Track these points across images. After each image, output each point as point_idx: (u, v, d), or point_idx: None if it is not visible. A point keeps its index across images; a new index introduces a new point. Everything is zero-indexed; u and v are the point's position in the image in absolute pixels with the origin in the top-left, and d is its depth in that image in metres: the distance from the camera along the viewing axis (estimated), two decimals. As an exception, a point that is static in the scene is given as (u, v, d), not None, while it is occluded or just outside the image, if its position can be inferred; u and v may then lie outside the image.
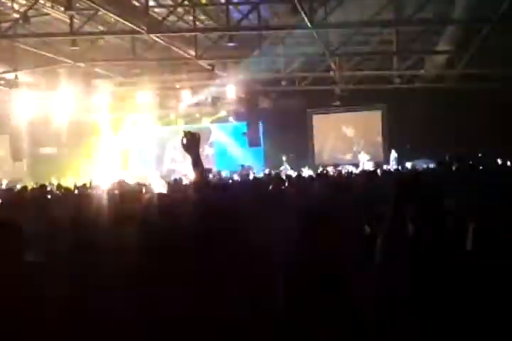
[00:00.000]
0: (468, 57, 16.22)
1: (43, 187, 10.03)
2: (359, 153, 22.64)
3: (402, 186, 3.85)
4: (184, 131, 3.35)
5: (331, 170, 17.51)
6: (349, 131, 24.06)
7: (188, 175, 14.61)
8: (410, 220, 3.29)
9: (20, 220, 3.88)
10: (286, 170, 19.72)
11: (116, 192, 8.32)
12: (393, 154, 20.97)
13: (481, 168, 9.34)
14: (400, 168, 18.06)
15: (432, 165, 15.38)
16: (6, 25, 13.61)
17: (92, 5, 12.32)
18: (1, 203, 8.17)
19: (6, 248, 3.04)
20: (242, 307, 2.87)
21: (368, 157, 22.03)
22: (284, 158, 22.08)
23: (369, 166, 20.29)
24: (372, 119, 23.54)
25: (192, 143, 3.30)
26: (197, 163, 3.27)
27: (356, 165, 20.75)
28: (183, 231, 2.98)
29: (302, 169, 19.71)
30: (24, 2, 13.68)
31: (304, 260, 3.48)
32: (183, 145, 3.31)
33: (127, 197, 5.96)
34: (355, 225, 4.88)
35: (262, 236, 4.09)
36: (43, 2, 13.49)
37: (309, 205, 4.81)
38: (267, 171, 18.98)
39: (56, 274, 2.95)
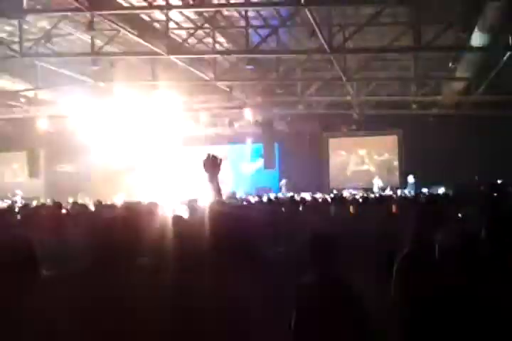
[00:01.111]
0: (486, 83, 16.23)
1: (59, 205, 10.09)
2: (373, 177, 22.58)
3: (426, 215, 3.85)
4: (208, 153, 3.39)
5: (346, 195, 17.46)
6: (365, 155, 24.05)
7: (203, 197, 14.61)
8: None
9: (34, 237, 3.92)
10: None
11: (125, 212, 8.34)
12: (410, 179, 20.86)
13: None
14: (415, 193, 17.91)
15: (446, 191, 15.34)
16: (28, 44, 13.83)
17: (114, 26, 12.53)
18: (18, 219, 8.21)
19: (20, 263, 3.07)
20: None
21: (381, 182, 21.97)
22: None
23: (383, 191, 20.23)
24: (389, 144, 23.55)
25: (213, 165, 3.35)
26: (214, 184, 3.31)
27: (371, 190, 20.70)
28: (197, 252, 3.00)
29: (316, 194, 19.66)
30: (47, 22, 13.92)
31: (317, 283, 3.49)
32: (204, 166, 3.36)
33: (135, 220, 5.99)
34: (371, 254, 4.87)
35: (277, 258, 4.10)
36: (65, 22, 13.72)
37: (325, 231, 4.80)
38: (280, 194, 18.99)
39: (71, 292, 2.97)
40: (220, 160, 3.39)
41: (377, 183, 22.00)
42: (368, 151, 23.97)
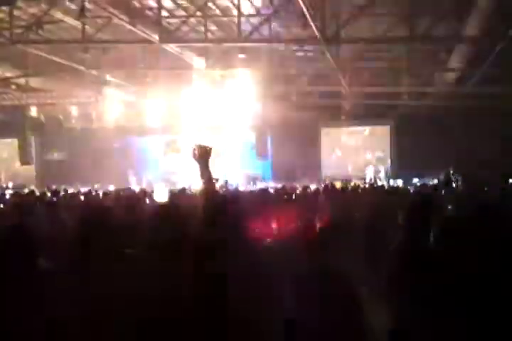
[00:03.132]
0: (479, 74, 16.25)
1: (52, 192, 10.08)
2: (366, 167, 22.64)
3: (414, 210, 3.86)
4: (196, 144, 3.40)
5: (338, 184, 17.46)
6: (357, 146, 24.07)
7: (192, 185, 14.60)
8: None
9: (31, 225, 3.91)
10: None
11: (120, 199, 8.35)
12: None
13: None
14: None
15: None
16: (19, 31, 13.71)
17: (106, 13, 12.44)
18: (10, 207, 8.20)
19: (19, 252, 3.06)
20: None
21: (373, 170, 22.05)
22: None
23: (376, 180, 20.31)
24: (381, 134, 23.57)
25: (203, 155, 3.37)
26: (206, 174, 3.32)
27: (363, 179, 20.76)
28: (192, 239, 3.00)
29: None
30: (37, 9, 13.81)
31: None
32: (194, 156, 3.37)
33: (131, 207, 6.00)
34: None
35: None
36: (56, 9, 13.62)
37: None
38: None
39: (66, 281, 2.97)
40: (210, 148, 3.40)
41: (370, 172, 22.05)
42: (360, 141, 23.98)
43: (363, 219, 5.86)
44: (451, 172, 11.34)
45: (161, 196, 9.51)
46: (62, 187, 16.99)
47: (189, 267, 2.87)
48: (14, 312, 2.84)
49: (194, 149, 3.36)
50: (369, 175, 21.91)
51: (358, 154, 23.90)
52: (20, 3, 13.21)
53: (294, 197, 9.44)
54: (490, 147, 18.44)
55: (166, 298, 2.78)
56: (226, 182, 17.31)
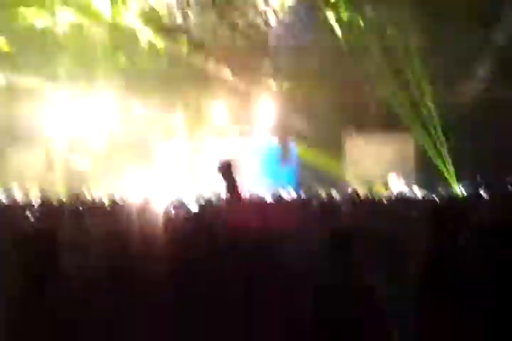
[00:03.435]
0: (506, 82, 16.08)
1: (77, 198, 10.15)
2: (390, 176, 22.42)
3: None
4: (220, 160, 3.43)
5: (362, 192, 17.34)
6: (380, 153, 23.90)
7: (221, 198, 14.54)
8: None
9: (55, 231, 3.94)
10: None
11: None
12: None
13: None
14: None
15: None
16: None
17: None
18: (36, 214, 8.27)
19: (42, 258, 3.08)
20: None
21: (397, 179, 21.82)
22: None
23: (400, 189, 20.09)
24: (405, 142, 23.41)
25: (227, 170, 3.38)
26: (232, 188, 3.33)
27: (388, 188, 20.60)
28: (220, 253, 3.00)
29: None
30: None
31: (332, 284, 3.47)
32: (219, 171, 3.40)
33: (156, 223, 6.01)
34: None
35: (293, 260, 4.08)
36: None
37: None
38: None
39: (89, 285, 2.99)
40: (234, 164, 3.41)
41: (394, 181, 21.86)
42: (383, 149, 23.81)
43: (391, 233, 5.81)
44: (480, 182, 11.22)
45: (190, 207, 9.47)
46: (87, 193, 17.14)
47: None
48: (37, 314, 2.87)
49: (220, 166, 3.39)
50: (393, 183, 21.67)
51: (380, 162, 23.72)
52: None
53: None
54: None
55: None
56: (250, 193, 17.28)
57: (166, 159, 25.30)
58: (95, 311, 2.86)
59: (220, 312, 2.82)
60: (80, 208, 9.42)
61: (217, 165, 3.43)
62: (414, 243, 4.84)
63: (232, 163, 3.45)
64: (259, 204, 8.88)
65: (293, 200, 10.42)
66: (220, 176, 3.43)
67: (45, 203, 10.70)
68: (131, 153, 24.02)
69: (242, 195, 3.40)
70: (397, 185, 21.22)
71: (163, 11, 13.43)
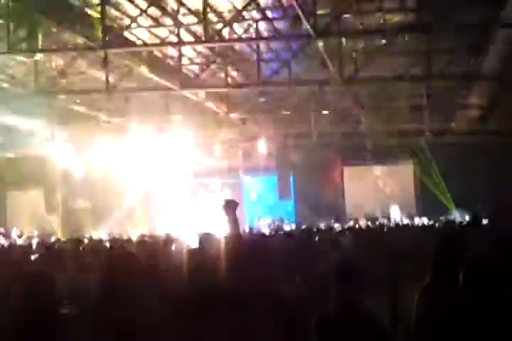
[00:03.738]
0: (500, 111, 16.21)
1: (77, 240, 10.10)
2: (391, 206, 22.42)
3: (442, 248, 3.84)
4: (225, 199, 3.74)
5: (362, 223, 17.38)
6: (381, 184, 23.97)
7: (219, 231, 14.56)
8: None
9: (54, 273, 3.93)
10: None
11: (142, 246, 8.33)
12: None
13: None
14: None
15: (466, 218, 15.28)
16: (43, 81, 14.00)
17: (127, 62, 12.72)
18: (36, 256, 8.24)
19: (41, 299, 3.08)
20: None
21: (398, 210, 21.84)
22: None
23: (401, 219, 20.09)
24: (404, 172, 23.49)
25: (230, 207, 3.66)
26: (234, 224, 3.55)
27: (388, 218, 20.58)
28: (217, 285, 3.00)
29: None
30: (61, 59, 14.13)
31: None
32: (224, 208, 3.67)
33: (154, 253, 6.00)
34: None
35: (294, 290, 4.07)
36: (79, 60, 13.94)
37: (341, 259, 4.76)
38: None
39: (88, 327, 2.97)
40: (237, 203, 3.75)
41: (394, 211, 21.86)
42: (383, 180, 23.89)
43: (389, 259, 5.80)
44: (478, 209, 11.23)
45: (190, 241, 9.45)
46: (87, 234, 17.12)
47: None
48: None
49: (224, 204, 3.71)
50: (394, 214, 21.69)
51: (380, 193, 23.76)
52: (44, 55, 13.54)
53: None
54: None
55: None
56: (251, 229, 17.28)
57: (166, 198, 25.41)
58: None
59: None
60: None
61: (222, 203, 3.76)
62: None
63: (235, 201, 3.78)
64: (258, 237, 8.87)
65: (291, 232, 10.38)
66: (223, 213, 3.73)
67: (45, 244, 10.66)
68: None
69: (239, 229, 3.60)
70: (398, 215, 21.21)
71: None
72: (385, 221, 18.52)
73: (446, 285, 3.52)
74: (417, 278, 4.19)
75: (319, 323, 3.43)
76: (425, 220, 19.23)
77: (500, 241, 4.89)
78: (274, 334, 2.93)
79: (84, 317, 3.11)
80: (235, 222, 3.64)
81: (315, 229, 12.11)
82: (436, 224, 14.85)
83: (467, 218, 15.44)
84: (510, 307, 2.88)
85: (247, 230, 15.97)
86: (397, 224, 15.42)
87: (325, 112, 18.43)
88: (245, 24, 12.49)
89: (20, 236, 20.09)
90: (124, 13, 12.05)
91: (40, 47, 11.34)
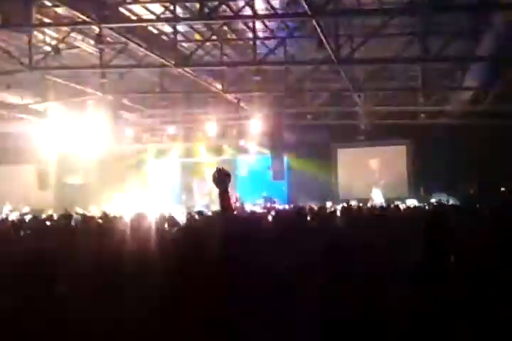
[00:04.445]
0: (494, 93, 16.19)
1: (68, 216, 10.11)
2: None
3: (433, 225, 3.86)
4: (217, 167, 3.46)
5: (354, 204, 17.38)
6: (374, 166, 23.99)
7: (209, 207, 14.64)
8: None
9: (47, 250, 3.93)
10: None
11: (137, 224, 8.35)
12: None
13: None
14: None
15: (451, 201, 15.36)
16: (37, 57, 13.90)
17: (122, 39, 12.62)
18: (28, 232, 8.24)
19: (37, 276, 3.09)
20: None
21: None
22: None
23: (381, 201, 20.01)
24: (397, 154, 23.50)
25: (222, 178, 3.41)
26: (225, 196, 3.36)
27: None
28: (208, 258, 3.02)
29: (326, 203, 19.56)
30: (56, 35, 14.01)
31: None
32: (214, 179, 3.42)
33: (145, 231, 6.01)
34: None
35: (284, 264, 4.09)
36: (74, 36, 13.82)
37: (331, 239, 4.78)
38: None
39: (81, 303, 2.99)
40: (229, 173, 3.46)
41: (376, 194, 21.81)
42: (376, 161, 23.90)
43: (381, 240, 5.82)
44: (471, 191, 11.28)
45: (180, 219, 9.48)
46: (80, 210, 17.12)
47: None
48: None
49: (214, 174, 3.42)
50: (376, 196, 21.62)
51: (373, 175, 23.77)
52: (38, 30, 13.41)
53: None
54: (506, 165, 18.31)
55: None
56: (243, 205, 17.33)
57: (158, 175, 25.41)
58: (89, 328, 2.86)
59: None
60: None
61: (213, 173, 3.47)
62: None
63: (226, 171, 3.50)
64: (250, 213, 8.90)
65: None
66: (214, 184, 3.46)
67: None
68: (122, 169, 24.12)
69: (234, 203, 3.45)
70: (379, 198, 21.13)
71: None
72: (377, 203, 18.54)
73: (438, 267, 3.55)
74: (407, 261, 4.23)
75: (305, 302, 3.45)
76: (416, 202, 19.30)
77: (491, 223, 4.91)
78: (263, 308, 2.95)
79: (75, 294, 3.12)
80: (226, 195, 3.44)
81: (307, 209, 12.13)
82: (427, 207, 14.89)
83: (451, 201, 15.57)
84: (503, 288, 2.91)
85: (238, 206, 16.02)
86: (387, 206, 15.41)
87: (320, 93, 18.41)
88: (242, 2, 12.39)
89: (12, 212, 20.10)
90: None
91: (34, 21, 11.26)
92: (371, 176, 23.66)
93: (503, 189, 16.48)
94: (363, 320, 3.30)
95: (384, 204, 17.11)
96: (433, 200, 18.24)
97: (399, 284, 4.01)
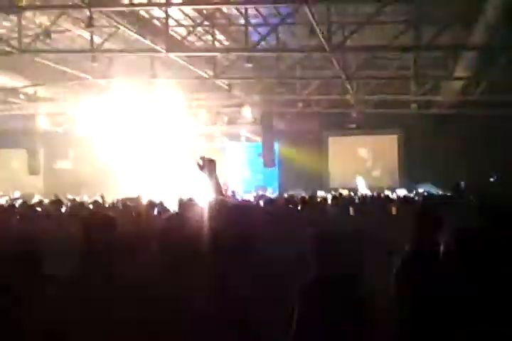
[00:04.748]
0: (486, 83, 16.22)
1: (58, 201, 10.08)
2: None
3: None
4: (200, 156, 3.36)
5: (345, 193, 17.40)
6: (365, 155, 24.02)
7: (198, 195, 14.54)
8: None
9: (36, 234, 3.92)
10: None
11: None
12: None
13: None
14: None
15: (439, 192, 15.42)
16: (27, 40, 13.76)
17: (113, 23, 12.51)
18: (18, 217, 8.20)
19: (23, 261, 3.08)
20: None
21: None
22: None
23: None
24: (388, 143, 23.53)
25: (208, 167, 3.32)
26: (214, 183, 3.29)
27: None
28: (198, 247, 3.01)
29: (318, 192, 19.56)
30: (46, 18, 13.87)
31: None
32: (199, 168, 3.33)
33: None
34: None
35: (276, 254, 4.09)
36: (64, 19, 13.68)
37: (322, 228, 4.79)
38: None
39: (70, 287, 2.98)
40: (214, 161, 3.36)
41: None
42: (367, 150, 23.94)
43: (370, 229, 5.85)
44: (461, 183, 11.29)
45: (170, 206, 9.46)
46: (70, 196, 17.06)
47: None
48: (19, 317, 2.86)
49: (198, 161, 3.32)
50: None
51: (363, 164, 23.80)
52: (28, 13, 13.27)
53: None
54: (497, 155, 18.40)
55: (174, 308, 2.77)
56: (234, 192, 17.28)
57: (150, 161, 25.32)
58: (84, 313, 2.85)
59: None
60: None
61: (196, 161, 3.35)
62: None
63: (210, 159, 3.39)
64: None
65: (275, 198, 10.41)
66: (200, 172, 3.36)
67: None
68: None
69: (221, 190, 3.38)
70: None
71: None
72: (367, 192, 18.55)
73: (426, 257, 3.56)
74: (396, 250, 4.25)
75: (301, 290, 3.46)
76: (405, 192, 19.36)
77: (480, 214, 4.93)
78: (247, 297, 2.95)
79: (68, 281, 3.11)
80: (216, 183, 3.36)
81: (298, 197, 12.14)
82: (416, 197, 14.94)
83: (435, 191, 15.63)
84: (492, 278, 2.91)
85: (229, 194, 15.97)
86: (378, 196, 15.45)
87: (311, 80, 18.36)
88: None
89: (1, 197, 20.02)
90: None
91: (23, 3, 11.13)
92: (362, 165, 23.72)
93: (491, 179, 16.59)
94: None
95: (368, 193, 17.19)
96: (420, 190, 18.31)
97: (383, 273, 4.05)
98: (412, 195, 16.03)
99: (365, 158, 24.00)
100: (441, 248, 3.22)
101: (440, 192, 15.20)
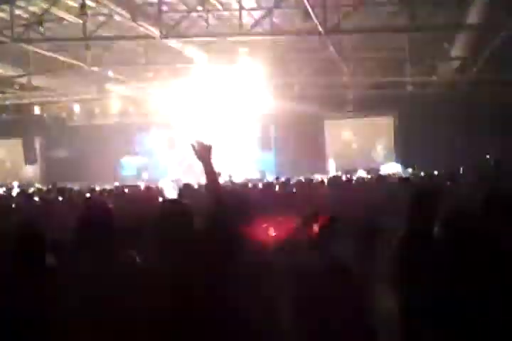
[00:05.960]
0: (481, 62, 16.17)
1: (56, 190, 10.11)
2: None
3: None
4: (195, 141, 3.30)
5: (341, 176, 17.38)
6: (361, 137, 23.97)
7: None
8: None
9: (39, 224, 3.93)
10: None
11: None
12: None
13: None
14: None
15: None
16: (20, 29, 13.66)
17: (106, 10, 12.43)
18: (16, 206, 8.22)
19: (26, 251, 3.09)
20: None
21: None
22: None
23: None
24: (385, 125, 23.48)
25: (203, 152, 3.27)
26: (209, 170, 3.25)
27: (368, 172, 20.64)
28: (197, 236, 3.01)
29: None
30: (39, 6, 13.77)
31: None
32: (195, 153, 3.28)
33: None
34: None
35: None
36: (57, 7, 13.59)
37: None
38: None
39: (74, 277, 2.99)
40: (210, 146, 3.29)
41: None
42: (363, 132, 23.87)
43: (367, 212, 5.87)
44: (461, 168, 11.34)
45: (170, 193, 9.48)
46: (67, 185, 17.05)
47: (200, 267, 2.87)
48: (20, 307, 2.87)
49: (194, 146, 3.27)
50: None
51: (359, 146, 23.78)
52: (20, 2, 13.17)
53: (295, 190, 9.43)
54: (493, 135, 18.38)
55: (175, 296, 2.78)
56: (230, 177, 17.24)
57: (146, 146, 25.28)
58: (84, 303, 2.86)
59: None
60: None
61: (192, 146, 3.28)
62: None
63: (207, 145, 3.32)
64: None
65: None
66: (196, 157, 3.30)
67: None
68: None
69: (216, 175, 3.33)
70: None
71: None
72: (364, 174, 18.54)
73: (422, 237, 3.58)
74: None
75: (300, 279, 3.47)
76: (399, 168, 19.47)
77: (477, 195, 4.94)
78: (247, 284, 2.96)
79: (72, 272, 3.12)
80: (210, 170, 3.31)
81: (294, 181, 12.16)
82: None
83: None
84: (486, 260, 2.92)
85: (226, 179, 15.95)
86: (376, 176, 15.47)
87: (307, 63, 18.32)
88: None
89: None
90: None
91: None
92: (359, 148, 23.70)
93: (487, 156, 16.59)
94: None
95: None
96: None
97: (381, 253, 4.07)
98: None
99: (362, 140, 23.90)
100: (436, 230, 3.24)
101: (410, 171, 15.33)
